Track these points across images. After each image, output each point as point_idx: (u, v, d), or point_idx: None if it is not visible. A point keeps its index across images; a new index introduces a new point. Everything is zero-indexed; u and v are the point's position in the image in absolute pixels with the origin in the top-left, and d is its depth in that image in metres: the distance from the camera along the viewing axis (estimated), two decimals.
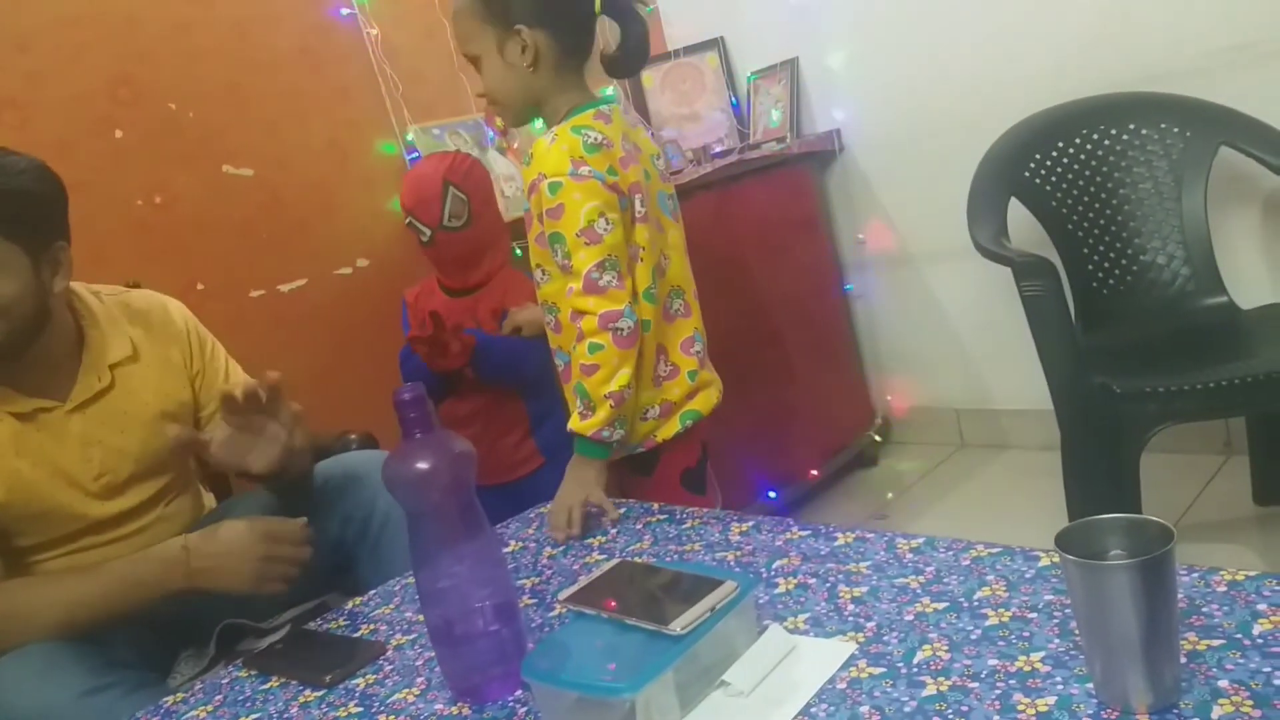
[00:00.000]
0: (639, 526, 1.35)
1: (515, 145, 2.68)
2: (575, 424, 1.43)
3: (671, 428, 1.52)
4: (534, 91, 1.47)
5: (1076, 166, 2.17)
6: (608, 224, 1.40)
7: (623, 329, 1.40)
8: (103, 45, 2.06)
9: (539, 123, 1.55)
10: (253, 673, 1.20)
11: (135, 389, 1.48)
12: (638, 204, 1.45)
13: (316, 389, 1.99)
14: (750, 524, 1.27)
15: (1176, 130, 2.11)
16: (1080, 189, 2.17)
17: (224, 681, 1.20)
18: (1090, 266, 2.16)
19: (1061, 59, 2.36)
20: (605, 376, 1.40)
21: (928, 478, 2.78)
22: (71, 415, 1.42)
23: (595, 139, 1.42)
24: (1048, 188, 2.17)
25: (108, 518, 1.45)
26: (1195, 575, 0.90)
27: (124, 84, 2.08)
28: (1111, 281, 2.15)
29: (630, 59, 1.51)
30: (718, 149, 2.86)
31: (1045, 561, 0.99)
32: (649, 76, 3.08)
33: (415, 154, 2.48)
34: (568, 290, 1.42)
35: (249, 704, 1.12)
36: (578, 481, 1.42)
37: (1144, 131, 2.14)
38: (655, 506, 1.42)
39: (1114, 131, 2.17)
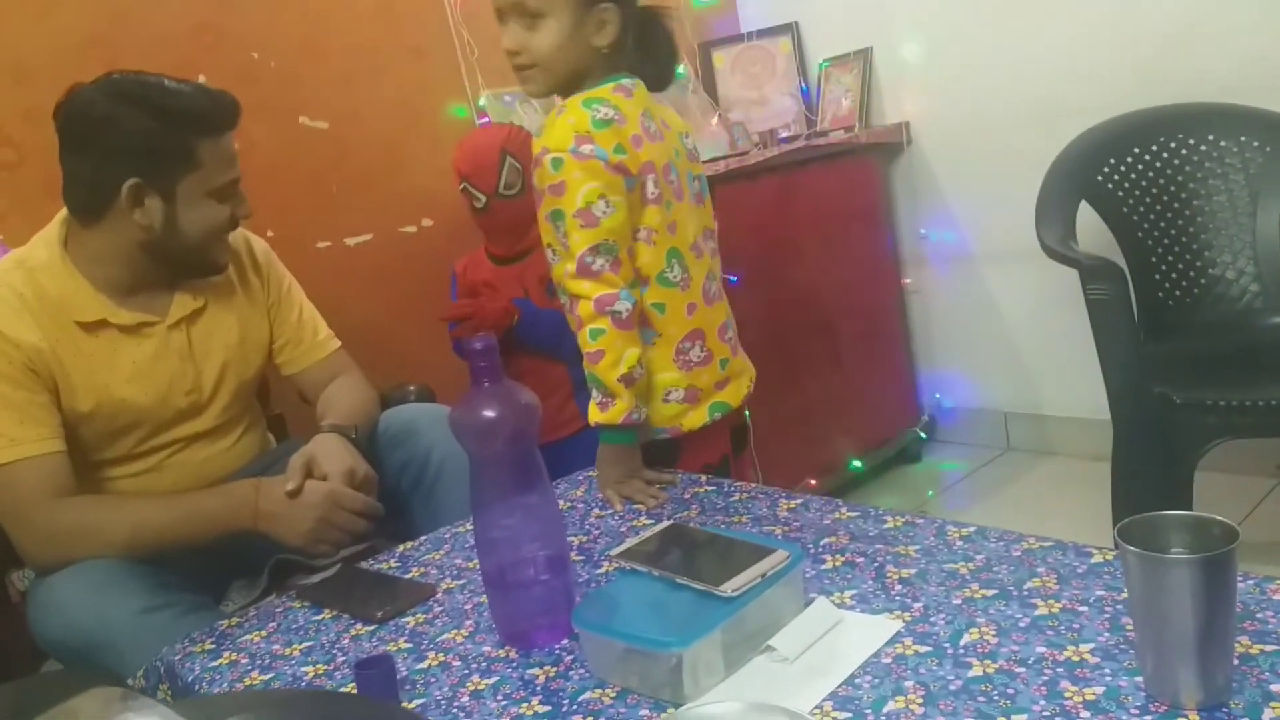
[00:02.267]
0: (686, 496, 1.37)
1: None
2: (599, 415, 1.38)
3: (699, 418, 1.46)
4: (585, 66, 1.40)
5: (1151, 174, 2.14)
6: (608, 206, 1.34)
7: (620, 312, 1.35)
8: None
9: None
10: (306, 604, 1.23)
11: (221, 314, 1.56)
12: (650, 185, 1.39)
13: (376, 341, 2.02)
14: (799, 501, 1.28)
15: (1256, 144, 2.07)
16: (1153, 197, 2.14)
17: (278, 610, 1.23)
18: (1157, 275, 2.13)
19: (1140, 65, 2.32)
20: (613, 360, 1.35)
21: (970, 478, 2.76)
22: (171, 331, 1.49)
23: (606, 114, 1.35)
24: (1120, 193, 2.14)
25: (186, 437, 1.52)
26: (1251, 582, 0.89)
27: (207, 29, 2.12)
28: (1178, 292, 2.12)
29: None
30: (784, 134, 2.85)
31: (1098, 558, 0.99)
32: (720, 57, 3.08)
33: (486, 119, 2.50)
34: (565, 271, 1.37)
35: (302, 633, 1.16)
36: (620, 469, 1.41)
37: (1222, 143, 2.11)
38: (703, 478, 1.43)
39: (1192, 141, 2.13)
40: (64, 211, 1.46)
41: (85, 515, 1.35)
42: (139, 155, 1.36)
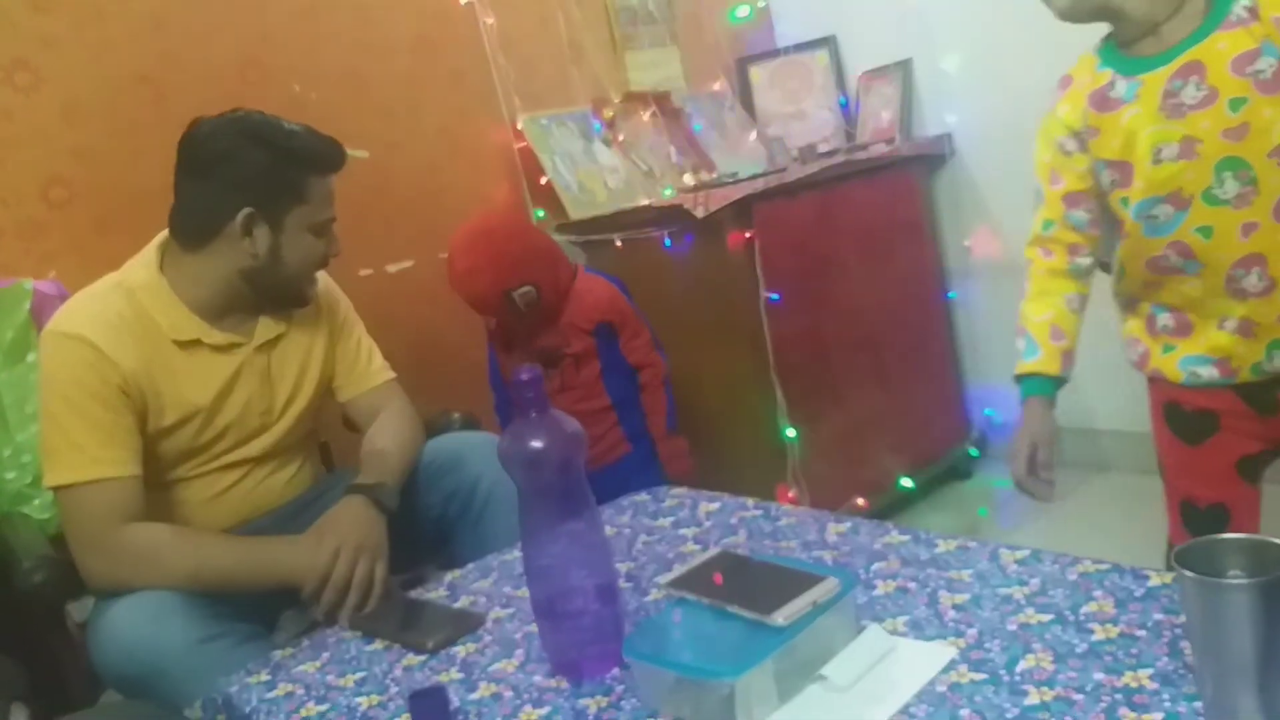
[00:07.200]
0: (734, 521, 1.36)
1: (620, 138, 2.70)
2: None
3: None
4: None
5: None
6: None
7: None
8: (232, 27, 2.13)
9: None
10: (358, 634, 1.25)
11: (298, 341, 1.61)
12: None
13: (418, 368, 2.03)
14: (848, 525, 1.27)
15: None
16: None
17: (330, 640, 1.25)
18: None
19: None
20: None
21: (1023, 495, 2.71)
22: (255, 353, 1.54)
23: None
24: None
25: (254, 458, 1.55)
26: None
27: (251, 65, 2.16)
28: None
29: None
30: (823, 148, 2.84)
31: (1155, 581, 0.97)
32: (757, 72, 3.08)
33: (524, 144, 2.52)
34: None
35: (354, 663, 1.17)
36: None
37: None
38: (750, 502, 1.42)
39: None
40: (161, 236, 1.52)
41: (153, 543, 1.37)
42: (256, 187, 1.44)
